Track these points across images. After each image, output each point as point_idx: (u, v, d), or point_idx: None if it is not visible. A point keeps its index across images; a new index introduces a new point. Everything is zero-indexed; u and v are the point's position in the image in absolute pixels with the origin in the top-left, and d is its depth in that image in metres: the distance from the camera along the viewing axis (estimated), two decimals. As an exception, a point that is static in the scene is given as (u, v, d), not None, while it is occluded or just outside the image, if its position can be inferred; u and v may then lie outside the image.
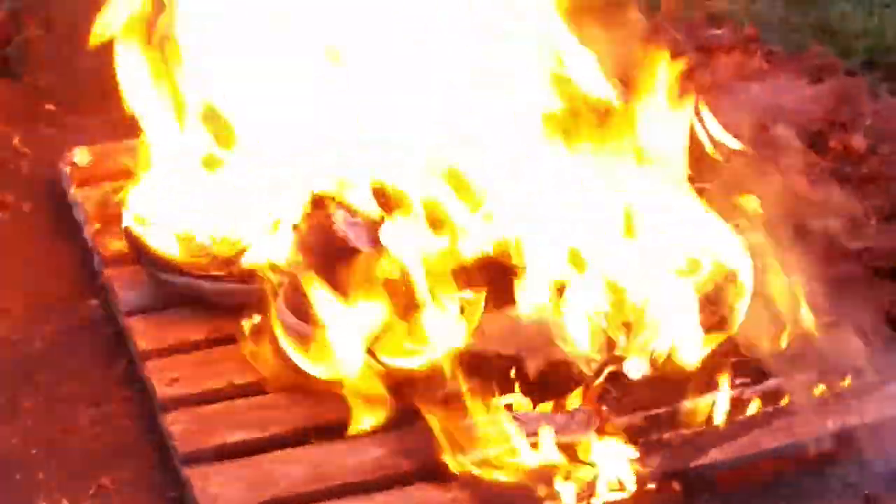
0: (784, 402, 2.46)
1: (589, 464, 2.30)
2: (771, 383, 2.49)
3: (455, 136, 2.55)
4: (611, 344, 2.44)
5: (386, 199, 2.50)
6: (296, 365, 2.51)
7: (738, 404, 2.45)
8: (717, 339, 2.51)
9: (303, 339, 2.51)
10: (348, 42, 2.64)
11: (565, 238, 2.50)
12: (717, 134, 2.84)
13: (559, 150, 2.51)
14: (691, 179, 2.58)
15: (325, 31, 2.67)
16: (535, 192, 2.50)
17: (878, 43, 3.78)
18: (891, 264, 2.86)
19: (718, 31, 3.81)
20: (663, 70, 2.55)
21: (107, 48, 2.86)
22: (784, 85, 3.47)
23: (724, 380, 2.44)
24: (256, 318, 2.63)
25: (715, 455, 2.35)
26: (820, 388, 2.48)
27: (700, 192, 2.59)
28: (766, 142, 3.10)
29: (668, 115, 2.57)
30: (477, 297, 2.46)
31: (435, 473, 2.34)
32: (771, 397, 2.47)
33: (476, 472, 2.31)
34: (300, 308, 2.51)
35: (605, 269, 2.49)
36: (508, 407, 2.39)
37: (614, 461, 2.31)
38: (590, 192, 2.50)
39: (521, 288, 2.48)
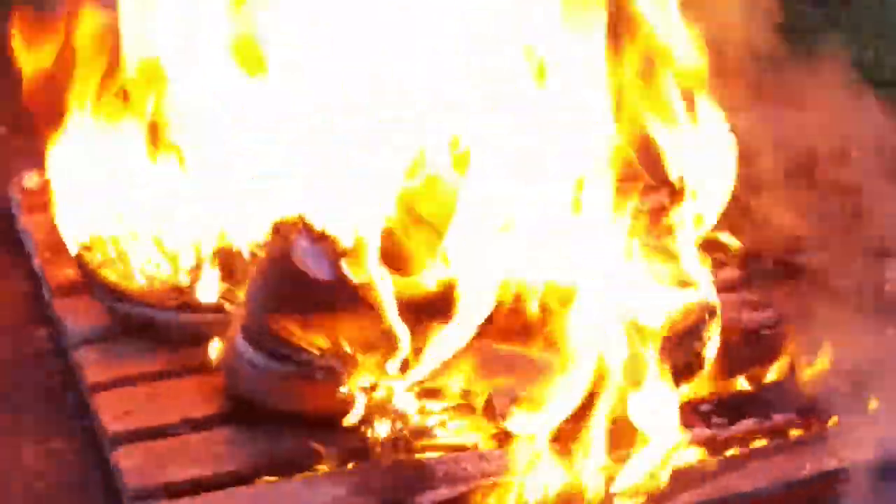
0: (761, 443, 2.54)
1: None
2: (748, 423, 2.57)
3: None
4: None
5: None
6: (252, 399, 2.59)
7: (713, 445, 2.53)
8: (693, 377, 2.60)
9: (262, 371, 2.58)
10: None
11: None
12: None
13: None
14: (665, 210, 2.66)
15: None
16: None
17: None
18: (877, 303, 2.95)
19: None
20: None
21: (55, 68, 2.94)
22: (769, 111, 3.54)
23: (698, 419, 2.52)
24: (214, 350, 2.70)
25: (687, 498, 2.41)
26: (799, 430, 2.57)
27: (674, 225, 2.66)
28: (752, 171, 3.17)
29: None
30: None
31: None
32: (748, 438, 2.55)
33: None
34: (260, 339, 2.59)
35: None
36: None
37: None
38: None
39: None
